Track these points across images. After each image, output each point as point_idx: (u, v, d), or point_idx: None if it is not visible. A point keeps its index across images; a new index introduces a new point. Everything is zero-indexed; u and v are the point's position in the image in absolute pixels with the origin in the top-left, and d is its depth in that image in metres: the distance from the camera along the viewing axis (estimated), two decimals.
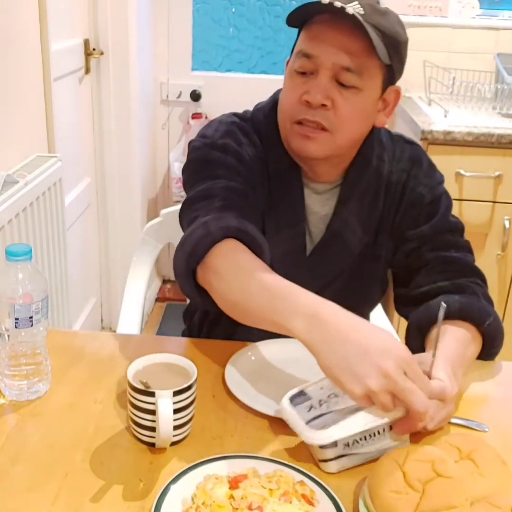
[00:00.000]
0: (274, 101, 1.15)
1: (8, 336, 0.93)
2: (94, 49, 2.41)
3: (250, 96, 1.22)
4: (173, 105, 3.12)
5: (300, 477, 0.80)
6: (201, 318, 1.33)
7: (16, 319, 0.91)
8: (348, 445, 0.83)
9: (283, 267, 1.14)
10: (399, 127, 2.69)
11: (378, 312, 1.42)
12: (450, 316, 1.00)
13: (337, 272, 1.19)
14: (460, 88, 2.55)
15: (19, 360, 0.94)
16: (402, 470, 0.74)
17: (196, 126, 2.90)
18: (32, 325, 0.92)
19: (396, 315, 2.49)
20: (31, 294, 0.91)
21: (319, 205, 1.17)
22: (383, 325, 1.46)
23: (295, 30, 1.09)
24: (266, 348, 1.10)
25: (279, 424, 0.91)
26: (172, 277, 2.54)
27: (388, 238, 1.19)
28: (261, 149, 1.15)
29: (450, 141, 2.25)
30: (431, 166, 1.21)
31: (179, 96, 3.08)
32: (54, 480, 0.81)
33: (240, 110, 1.21)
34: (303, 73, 1.05)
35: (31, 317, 0.92)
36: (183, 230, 1.05)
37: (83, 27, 2.36)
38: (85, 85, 2.41)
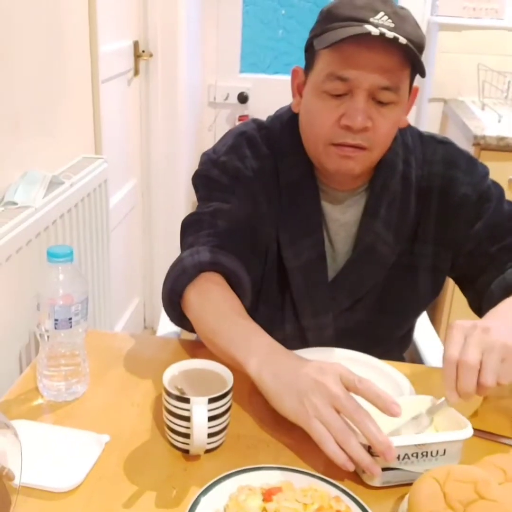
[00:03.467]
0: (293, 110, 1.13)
1: (48, 336, 0.93)
2: (143, 51, 2.43)
3: None
4: (220, 107, 3.13)
5: (336, 492, 0.78)
6: None
7: (56, 320, 0.92)
8: (399, 458, 0.80)
9: (306, 280, 1.13)
10: (450, 131, 2.63)
11: (423, 320, 1.38)
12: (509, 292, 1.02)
13: (370, 286, 1.15)
14: None
15: (58, 361, 0.95)
16: (442, 490, 0.71)
17: None
18: (71, 326, 0.93)
19: (443, 324, 2.43)
20: (72, 295, 0.92)
21: (338, 213, 1.14)
22: (427, 333, 1.42)
23: None
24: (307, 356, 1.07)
25: None
26: None
27: (429, 247, 1.15)
28: (271, 160, 1.13)
29: (503, 147, 2.18)
30: (471, 161, 1.16)
31: (226, 98, 3.08)
32: (87, 484, 0.80)
33: None
34: (336, 95, 1.01)
35: (70, 318, 0.93)
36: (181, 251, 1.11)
37: (133, 29, 2.38)
38: (134, 87, 2.44)
